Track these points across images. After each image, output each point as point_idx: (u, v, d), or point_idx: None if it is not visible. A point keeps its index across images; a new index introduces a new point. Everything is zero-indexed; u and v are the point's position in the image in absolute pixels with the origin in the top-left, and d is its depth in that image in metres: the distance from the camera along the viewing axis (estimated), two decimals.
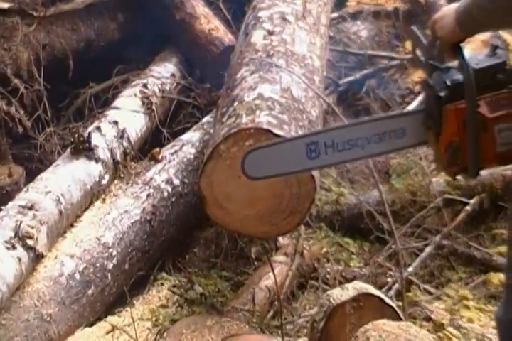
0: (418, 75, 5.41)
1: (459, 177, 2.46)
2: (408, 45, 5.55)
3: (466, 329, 3.46)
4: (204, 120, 4.56)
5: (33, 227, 3.21)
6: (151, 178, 3.99)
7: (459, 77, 2.34)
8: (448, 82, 2.35)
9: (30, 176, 3.94)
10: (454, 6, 2.26)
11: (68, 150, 3.87)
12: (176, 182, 4.03)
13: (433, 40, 2.39)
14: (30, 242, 3.15)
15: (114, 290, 3.57)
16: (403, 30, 5.84)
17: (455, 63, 2.38)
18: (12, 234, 3.13)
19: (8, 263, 3.04)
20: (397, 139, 2.47)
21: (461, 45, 2.34)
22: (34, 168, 4.34)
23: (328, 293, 3.11)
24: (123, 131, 4.17)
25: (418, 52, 2.49)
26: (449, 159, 2.39)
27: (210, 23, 5.35)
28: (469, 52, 2.36)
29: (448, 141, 2.37)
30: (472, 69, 2.31)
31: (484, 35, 3.60)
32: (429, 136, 2.44)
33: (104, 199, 3.80)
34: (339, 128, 2.56)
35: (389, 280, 3.80)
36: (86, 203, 3.72)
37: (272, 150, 2.52)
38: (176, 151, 4.21)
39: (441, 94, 2.35)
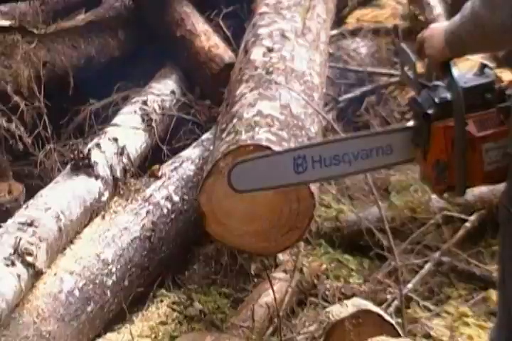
0: None
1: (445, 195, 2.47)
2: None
3: None
4: (204, 137, 4.57)
5: (32, 244, 3.20)
6: (151, 195, 3.98)
7: (447, 95, 2.35)
8: (436, 100, 2.36)
9: (30, 193, 3.93)
10: (443, 25, 2.26)
11: (68, 167, 3.87)
12: (176, 198, 4.03)
13: (421, 58, 2.40)
14: (29, 259, 3.14)
15: (113, 306, 3.55)
16: None
17: (443, 81, 2.39)
18: (11, 251, 3.12)
19: (7, 279, 3.02)
20: (384, 156, 2.48)
21: (450, 63, 2.35)
22: (34, 184, 4.33)
23: (327, 309, 3.12)
24: (123, 148, 4.17)
25: (407, 70, 2.50)
26: (436, 177, 2.39)
27: (210, 40, 5.36)
28: (458, 70, 2.37)
29: (435, 159, 2.38)
30: (461, 87, 2.32)
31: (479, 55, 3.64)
32: (416, 154, 2.45)
33: (103, 216, 3.80)
34: (327, 143, 2.57)
35: (388, 296, 3.79)
36: (86, 220, 3.72)
37: (259, 163, 2.53)
38: (175, 168, 4.21)
39: (430, 111, 2.36)
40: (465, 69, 2.50)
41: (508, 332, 2.35)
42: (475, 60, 3.91)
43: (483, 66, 2.41)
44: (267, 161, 2.54)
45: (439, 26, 2.29)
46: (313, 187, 3.35)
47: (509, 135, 2.27)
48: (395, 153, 2.48)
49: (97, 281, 3.46)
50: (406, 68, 2.51)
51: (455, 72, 2.35)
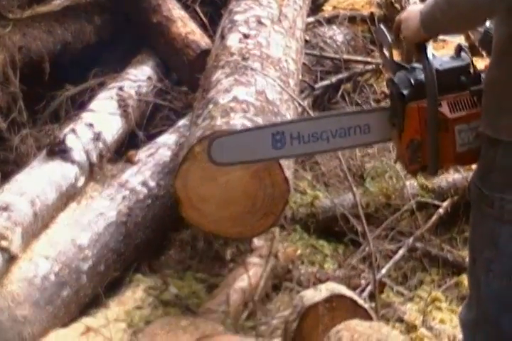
0: None
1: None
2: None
3: (438, 331, 3.49)
4: (180, 123, 4.58)
5: (7, 228, 3.20)
6: (127, 180, 3.99)
7: (423, 76, 2.40)
8: (412, 81, 2.40)
9: (6, 178, 3.93)
10: (419, 6, 2.31)
11: (44, 152, 3.87)
12: (152, 184, 4.04)
13: (397, 40, 2.44)
14: (4, 243, 3.15)
15: (89, 291, 3.56)
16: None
17: (420, 63, 2.43)
18: None
19: None
20: (362, 135, 2.52)
21: (426, 44, 2.38)
22: (9, 169, 4.32)
23: (301, 294, 3.14)
24: (99, 134, 4.18)
25: (385, 51, 2.54)
26: (410, 156, 2.44)
27: (187, 27, 5.36)
28: (435, 53, 2.41)
29: (409, 139, 2.43)
30: (435, 69, 2.36)
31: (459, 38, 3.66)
32: (392, 133, 2.49)
33: (79, 201, 3.80)
34: (306, 120, 2.61)
35: (362, 282, 3.82)
36: (61, 205, 3.72)
37: (239, 138, 2.56)
38: (151, 154, 4.22)
39: (405, 92, 2.40)
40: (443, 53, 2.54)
41: (477, 312, 2.39)
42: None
43: (460, 49, 2.45)
44: (247, 136, 2.57)
45: (416, 8, 2.33)
46: (288, 173, 3.37)
47: (481, 118, 2.31)
48: (372, 133, 2.52)
49: (73, 266, 3.47)
50: (384, 49, 2.54)
51: (430, 53, 2.39)
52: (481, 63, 2.53)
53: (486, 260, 2.34)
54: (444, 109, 2.38)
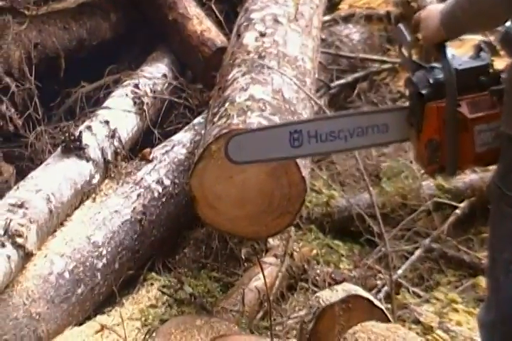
0: None
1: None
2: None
3: (454, 332, 3.47)
4: (195, 121, 4.56)
5: (22, 225, 3.19)
6: (142, 178, 3.98)
7: (442, 76, 2.38)
8: (431, 81, 2.39)
9: (21, 175, 3.93)
10: (440, 6, 2.29)
11: (59, 149, 3.86)
12: (167, 182, 4.03)
13: (416, 39, 2.43)
14: (19, 240, 3.14)
15: (103, 289, 3.56)
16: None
17: (440, 63, 2.41)
18: (1, 232, 3.12)
19: None
20: (380, 134, 2.51)
21: (445, 44, 2.36)
22: (25, 166, 4.31)
23: (317, 294, 3.12)
24: (114, 131, 4.16)
25: (403, 50, 2.52)
26: (429, 157, 2.43)
27: (203, 24, 5.34)
28: (454, 52, 2.39)
29: (428, 139, 2.41)
30: (454, 69, 2.35)
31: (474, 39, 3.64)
32: (411, 133, 2.47)
33: (94, 199, 3.79)
34: (324, 119, 2.59)
35: (378, 282, 3.81)
36: (76, 202, 3.71)
37: (256, 136, 2.55)
38: (166, 151, 4.21)
39: (424, 91, 2.39)
40: (462, 53, 2.52)
41: (496, 313, 2.37)
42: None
43: (480, 49, 2.43)
44: (264, 134, 2.56)
45: (436, 8, 2.32)
46: (305, 172, 3.35)
47: (502, 117, 2.29)
48: (390, 132, 2.51)
49: (88, 264, 3.46)
50: (403, 49, 2.52)
51: (450, 53, 2.37)
52: (498, 62, 2.52)
53: (505, 261, 2.32)
54: (464, 109, 2.36)
